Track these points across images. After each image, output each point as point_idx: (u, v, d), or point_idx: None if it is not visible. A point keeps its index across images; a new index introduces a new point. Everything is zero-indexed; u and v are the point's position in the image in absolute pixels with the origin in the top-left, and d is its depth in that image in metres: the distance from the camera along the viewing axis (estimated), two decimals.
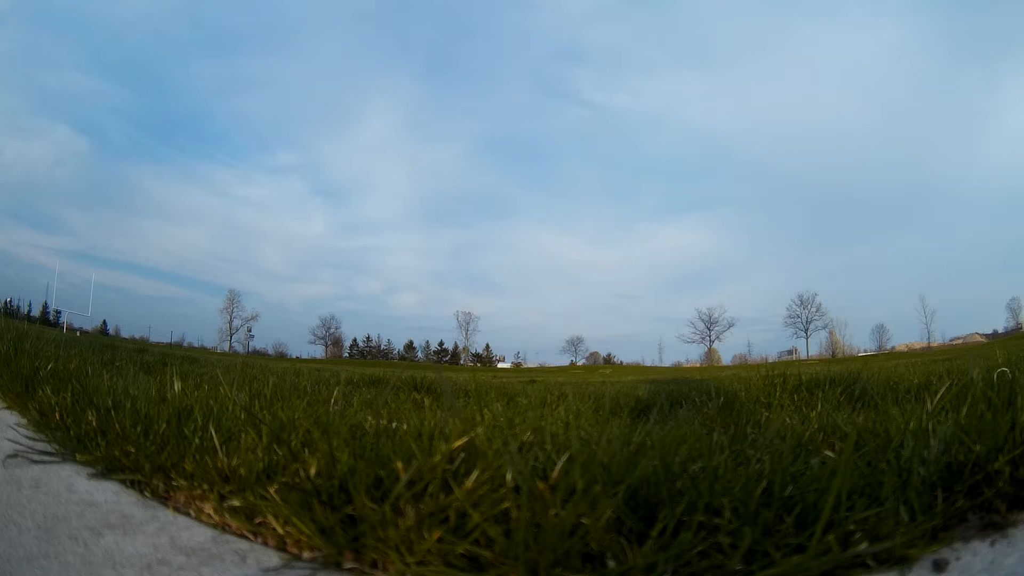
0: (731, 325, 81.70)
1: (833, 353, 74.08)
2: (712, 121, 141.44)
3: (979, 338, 68.23)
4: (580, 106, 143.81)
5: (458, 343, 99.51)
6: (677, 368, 72.05)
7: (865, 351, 75.44)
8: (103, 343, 16.58)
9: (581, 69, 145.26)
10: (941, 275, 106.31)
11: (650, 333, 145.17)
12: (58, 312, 70.22)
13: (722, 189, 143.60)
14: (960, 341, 70.24)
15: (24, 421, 2.56)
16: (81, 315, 71.34)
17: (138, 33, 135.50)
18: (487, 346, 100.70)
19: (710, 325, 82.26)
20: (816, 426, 2.38)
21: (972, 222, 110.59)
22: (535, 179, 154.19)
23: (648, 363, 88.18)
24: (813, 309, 77.50)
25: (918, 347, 72.44)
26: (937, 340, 75.87)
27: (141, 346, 24.47)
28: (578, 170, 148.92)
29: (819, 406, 3.08)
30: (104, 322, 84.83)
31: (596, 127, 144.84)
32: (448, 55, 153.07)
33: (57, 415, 2.42)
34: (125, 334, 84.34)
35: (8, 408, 2.86)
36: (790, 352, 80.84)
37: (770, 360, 74.51)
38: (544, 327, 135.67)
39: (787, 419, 2.73)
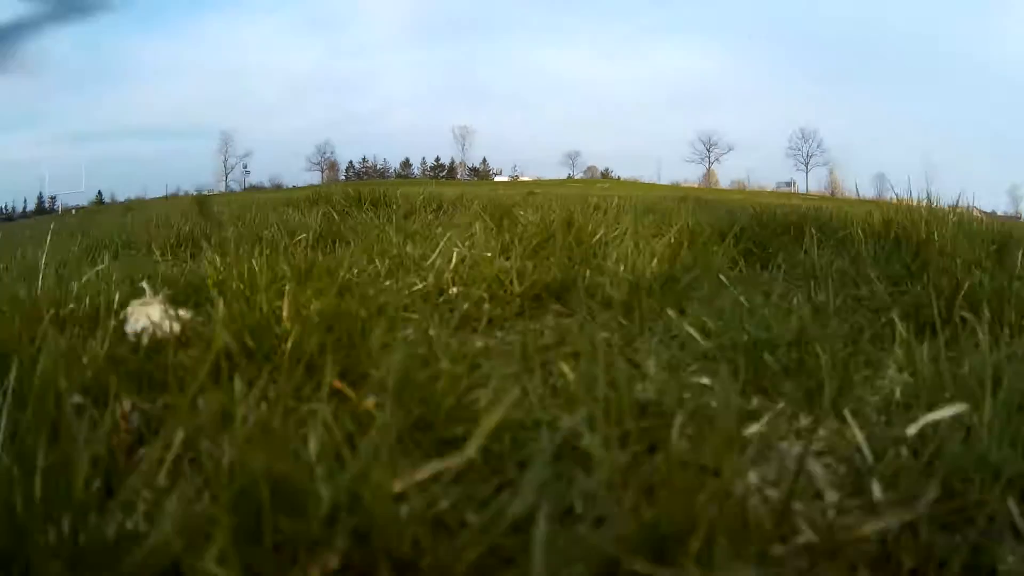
0: (730, 149, 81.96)
1: (832, 192, 70.76)
2: None
3: (977, 212, 68.29)
4: None
5: (454, 158, 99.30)
6: (676, 187, 69.04)
7: (864, 197, 73.70)
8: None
9: None
10: (945, 145, 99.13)
11: (646, 150, 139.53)
12: (53, 198, 69.21)
13: (732, 10, 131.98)
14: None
15: None
16: (76, 193, 69.84)
17: None
18: (484, 160, 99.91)
19: (709, 147, 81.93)
20: None
21: (985, 103, 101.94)
22: None
23: (646, 180, 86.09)
24: (814, 144, 76.72)
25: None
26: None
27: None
28: None
29: None
30: (99, 193, 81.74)
31: None
32: None
33: None
34: (121, 198, 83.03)
35: None
36: (788, 184, 79.30)
37: (768, 189, 72.42)
38: (541, 141, 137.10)
39: None
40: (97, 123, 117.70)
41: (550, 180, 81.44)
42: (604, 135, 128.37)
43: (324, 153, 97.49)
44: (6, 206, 77.69)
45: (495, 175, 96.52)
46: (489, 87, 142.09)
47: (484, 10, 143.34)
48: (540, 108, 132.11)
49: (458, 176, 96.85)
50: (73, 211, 56.00)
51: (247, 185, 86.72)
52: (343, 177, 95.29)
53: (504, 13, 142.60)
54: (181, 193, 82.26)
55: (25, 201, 79.56)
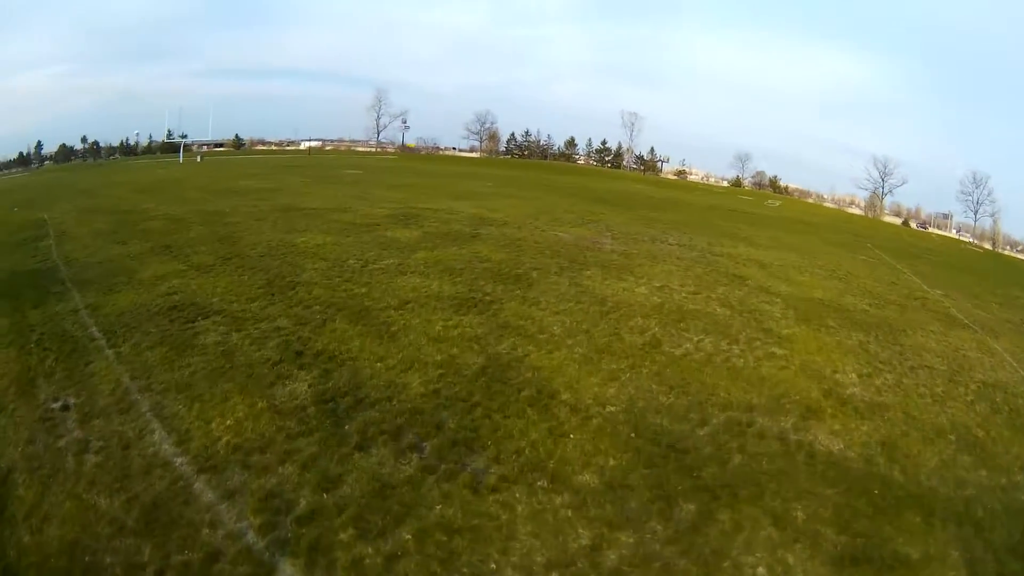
0: (904, 182, 78.73)
1: (994, 243, 67.31)
2: None
3: None
4: None
5: (621, 143, 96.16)
6: (841, 213, 68.03)
7: None
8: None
9: None
10: None
11: (814, 158, 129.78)
12: (184, 136, 73.35)
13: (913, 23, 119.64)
14: None
15: None
16: (202, 138, 73.87)
17: None
18: (652, 149, 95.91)
19: (884, 175, 79.79)
20: None
21: None
22: None
23: (808, 189, 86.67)
24: (984, 192, 72.60)
25: None
26: None
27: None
28: None
29: None
30: (236, 136, 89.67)
31: None
32: None
33: None
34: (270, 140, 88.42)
35: None
36: (945, 216, 77.18)
37: (927, 225, 71.29)
38: (709, 134, 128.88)
39: None
40: (240, 63, 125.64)
41: (721, 188, 79.59)
42: (772, 135, 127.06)
43: (484, 123, 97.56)
44: (127, 140, 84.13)
45: (662, 162, 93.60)
46: (656, 71, 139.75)
47: None
48: (708, 100, 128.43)
49: (624, 162, 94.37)
50: (199, 158, 59.96)
51: (403, 143, 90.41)
52: (503, 149, 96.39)
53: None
54: (329, 144, 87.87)
55: (151, 137, 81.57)
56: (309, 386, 7.71)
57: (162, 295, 10.81)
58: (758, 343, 10.13)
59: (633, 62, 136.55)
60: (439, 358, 8.62)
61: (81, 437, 6.54)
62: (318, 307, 10.31)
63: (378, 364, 8.36)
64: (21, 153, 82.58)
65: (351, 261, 13.24)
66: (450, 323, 9.90)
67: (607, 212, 25.84)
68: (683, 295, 12.53)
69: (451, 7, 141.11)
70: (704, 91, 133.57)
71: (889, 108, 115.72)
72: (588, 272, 13.77)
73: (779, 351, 9.86)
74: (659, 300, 12.01)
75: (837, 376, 9.30)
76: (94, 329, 9.38)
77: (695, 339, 10.07)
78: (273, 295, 10.84)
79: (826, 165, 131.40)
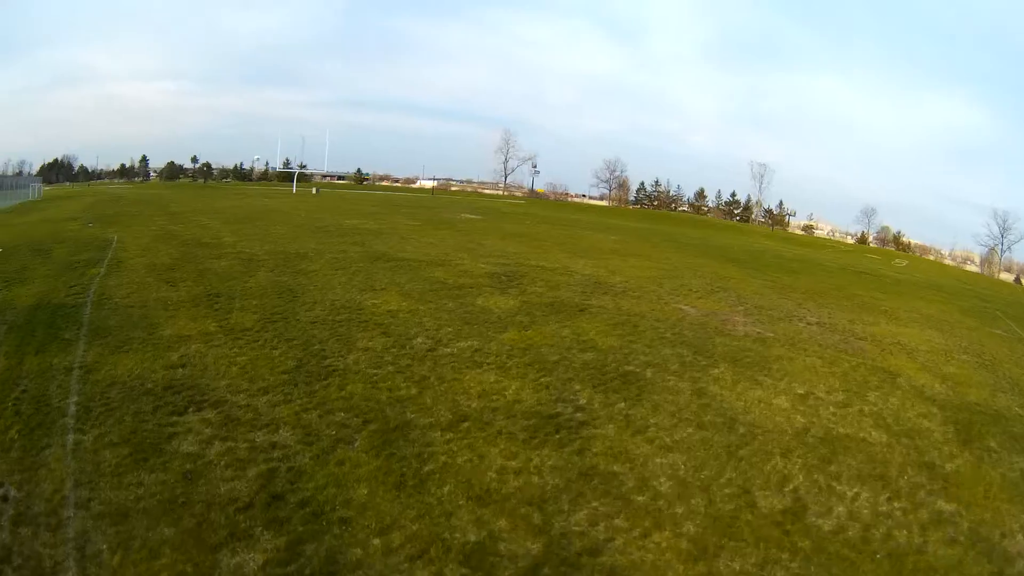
0: (1022, 237, 76.50)
1: None
2: None
3: None
4: None
5: (751, 196, 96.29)
6: (963, 272, 67.15)
7: None
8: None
9: None
10: None
11: (933, 209, 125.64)
12: (302, 166, 73.23)
13: None
14: None
15: None
16: (321, 169, 75.06)
17: None
18: (780, 203, 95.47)
19: (1003, 230, 78.85)
20: None
21: None
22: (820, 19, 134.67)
23: (927, 244, 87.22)
24: None
25: None
26: None
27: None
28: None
29: None
30: (359, 170, 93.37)
31: None
32: None
33: None
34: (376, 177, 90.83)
35: None
36: None
37: None
38: (835, 185, 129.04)
39: None
40: (368, 94, 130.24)
41: (848, 245, 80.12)
42: (894, 185, 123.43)
43: (614, 170, 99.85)
44: (242, 164, 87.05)
45: (790, 215, 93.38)
46: (786, 119, 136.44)
47: (774, 35, 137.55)
48: (834, 150, 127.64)
49: (752, 216, 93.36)
50: (314, 190, 59.86)
51: (532, 188, 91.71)
52: (633, 199, 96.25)
53: (793, 39, 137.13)
54: (459, 181, 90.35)
55: (267, 164, 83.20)
56: (262, 566, 4.86)
57: (168, 365, 8.60)
58: (922, 493, 7.36)
59: (764, 110, 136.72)
60: (472, 539, 5.34)
61: (6, 544, 5.11)
62: (342, 414, 7.35)
63: (375, 541, 5.22)
64: (123, 164, 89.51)
65: (419, 339, 10.26)
66: (512, 463, 6.57)
67: (737, 276, 22.50)
68: (831, 410, 9.30)
69: (585, 50, 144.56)
70: (830, 139, 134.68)
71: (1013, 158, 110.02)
72: (716, 371, 10.10)
73: (946, 506, 7.16)
74: (803, 421, 8.70)
75: (1006, 544, 6.34)
76: (73, 401, 7.48)
77: (849, 494, 6.95)
78: (296, 385, 8.15)
79: (945, 217, 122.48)
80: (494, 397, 8.06)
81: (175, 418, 7.18)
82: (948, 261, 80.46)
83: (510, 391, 8.29)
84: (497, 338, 10.60)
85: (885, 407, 9.80)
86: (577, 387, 8.65)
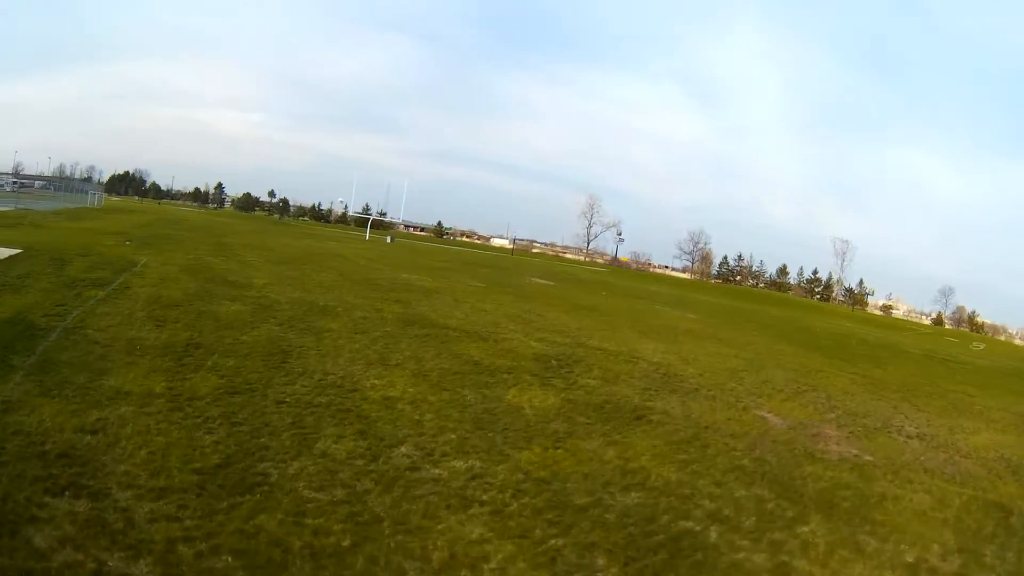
0: None
1: None
2: None
3: None
4: None
5: (832, 273, 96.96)
6: None
7: None
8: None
9: None
10: None
11: (1001, 284, 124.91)
12: (383, 213, 73.93)
13: None
14: None
15: None
16: (399, 218, 74.88)
17: None
18: (860, 281, 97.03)
19: None
20: None
21: None
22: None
23: (998, 324, 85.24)
24: None
25: None
26: None
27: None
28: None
29: None
30: (439, 223, 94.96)
31: None
32: None
33: None
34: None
35: None
36: None
37: None
38: (914, 265, 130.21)
39: None
40: (460, 149, 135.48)
41: (928, 327, 77.57)
42: (966, 264, 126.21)
43: (697, 242, 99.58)
44: (319, 204, 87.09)
45: (868, 295, 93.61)
46: (863, 193, 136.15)
47: (852, 102, 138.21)
48: (914, 225, 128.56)
49: (833, 294, 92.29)
50: (389, 239, 59.53)
51: (615, 255, 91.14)
52: (715, 272, 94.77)
53: (871, 107, 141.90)
54: (538, 246, 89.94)
55: (346, 207, 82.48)
56: None
57: (79, 428, 6.39)
58: None
59: (847, 181, 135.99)
60: None
61: None
62: (228, 559, 4.59)
63: None
64: (197, 188, 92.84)
65: (403, 448, 7.27)
66: None
67: (825, 368, 19.81)
68: None
69: (673, 116, 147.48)
70: (911, 213, 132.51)
71: None
72: (806, 528, 6.73)
73: None
74: None
75: None
76: None
77: None
78: (200, 495, 5.57)
79: (1014, 293, 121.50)
80: (463, 575, 5.10)
81: (48, 499, 5.01)
82: (1018, 341, 76.51)
83: (493, 563, 5.28)
84: (512, 457, 7.63)
85: (1002, 567, 6.83)
86: (601, 562, 5.57)
